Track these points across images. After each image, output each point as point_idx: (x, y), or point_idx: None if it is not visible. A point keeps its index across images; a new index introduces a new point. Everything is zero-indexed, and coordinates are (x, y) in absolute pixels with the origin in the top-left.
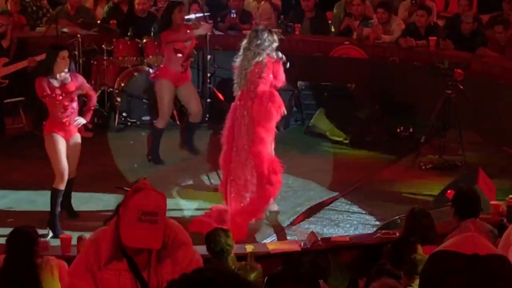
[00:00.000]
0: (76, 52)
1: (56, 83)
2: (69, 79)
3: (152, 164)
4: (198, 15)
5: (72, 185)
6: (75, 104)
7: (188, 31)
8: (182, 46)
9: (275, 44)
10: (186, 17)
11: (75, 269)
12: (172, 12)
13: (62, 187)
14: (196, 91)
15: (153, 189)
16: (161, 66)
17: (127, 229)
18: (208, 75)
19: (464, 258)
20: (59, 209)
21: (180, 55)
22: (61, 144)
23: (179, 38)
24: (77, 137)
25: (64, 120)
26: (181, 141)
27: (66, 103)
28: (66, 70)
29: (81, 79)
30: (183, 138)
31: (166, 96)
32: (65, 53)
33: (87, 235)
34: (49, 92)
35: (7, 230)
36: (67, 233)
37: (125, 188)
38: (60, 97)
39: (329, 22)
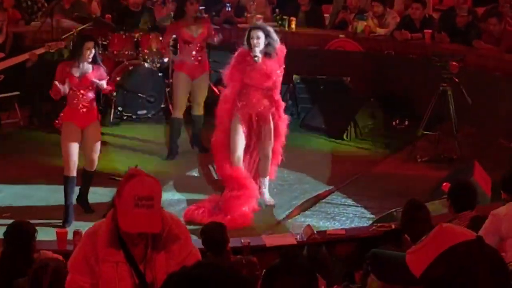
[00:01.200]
0: (71, 47)
1: (76, 72)
2: (91, 69)
3: (147, 158)
4: None
5: (90, 180)
6: (91, 94)
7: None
8: (189, 36)
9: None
10: None
11: (74, 263)
12: (184, 5)
13: (72, 173)
14: (207, 84)
15: (146, 175)
16: (178, 59)
17: (125, 216)
18: None
19: (468, 243)
20: (72, 197)
21: (190, 45)
22: (74, 135)
23: (181, 28)
24: (95, 126)
25: (79, 109)
26: (190, 141)
27: (82, 91)
28: (90, 59)
29: (102, 72)
30: (191, 138)
31: (179, 88)
32: (90, 44)
33: (83, 229)
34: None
35: (3, 225)
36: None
37: (117, 178)
38: (77, 85)
39: (325, 15)
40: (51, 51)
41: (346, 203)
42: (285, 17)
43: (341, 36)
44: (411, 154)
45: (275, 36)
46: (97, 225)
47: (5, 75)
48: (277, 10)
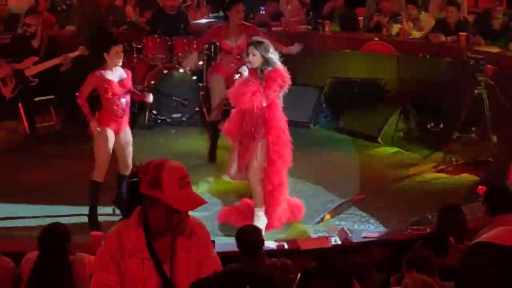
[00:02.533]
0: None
1: (115, 78)
2: (124, 73)
3: (182, 161)
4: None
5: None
6: (128, 98)
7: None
8: (227, 45)
9: None
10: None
11: (100, 261)
12: (229, 10)
13: (101, 179)
14: None
15: (167, 159)
16: (217, 62)
17: (177, 199)
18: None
19: (503, 249)
20: (97, 202)
21: (229, 54)
22: (110, 140)
23: (222, 37)
24: (128, 131)
25: (117, 114)
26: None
27: (122, 97)
28: (120, 64)
29: (130, 74)
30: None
31: (216, 90)
32: (118, 48)
33: None
34: (109, 88)
35: (38, 228)
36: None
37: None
38: (118, 91)
39: (359, 18)
40: (84, 54)
41: (380, 206)
42: (319, 20)
43: (375, 39)
44: (446, 157)
45: (272, 55)
46: (123, 223)
47: (40, 79)
48: (311, 13)
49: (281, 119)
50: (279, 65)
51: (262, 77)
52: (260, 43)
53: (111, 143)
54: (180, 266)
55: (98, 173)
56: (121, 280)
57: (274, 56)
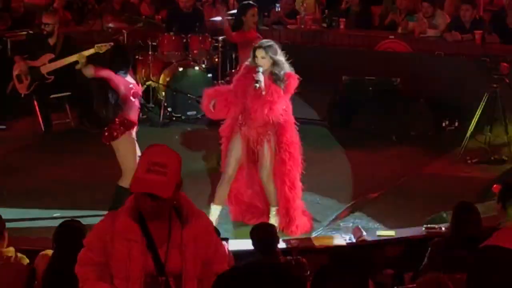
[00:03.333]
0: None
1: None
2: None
3: (197, 158)
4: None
5: None
6: None
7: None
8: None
9: None
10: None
11: (89, 239)
12: (244, 15)
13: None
14: None
15: (167, 146)
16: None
17: (134, 178)
18: None
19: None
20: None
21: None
22: (136, 145)
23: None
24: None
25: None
26: None
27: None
28: None
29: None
30: None
31: None
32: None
33: None
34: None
35: (53, 226)
36: None
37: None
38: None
39: (374, 16)
40: (100, 52)
41: (395, 205)
42: (334, 18)
43: (390, 37)
44: (461, 156)
45: (282, 58)
46: (120, 208)
47: (55, 76)
48: (326, 11)
49: (290, 121)
50: (287, 67)
51: (282, 82)
52: (269, 45)
53: (137, 148)
54: (189, 256)
55: (128, 179)
56: (103, 260)
57: (282, 58)
